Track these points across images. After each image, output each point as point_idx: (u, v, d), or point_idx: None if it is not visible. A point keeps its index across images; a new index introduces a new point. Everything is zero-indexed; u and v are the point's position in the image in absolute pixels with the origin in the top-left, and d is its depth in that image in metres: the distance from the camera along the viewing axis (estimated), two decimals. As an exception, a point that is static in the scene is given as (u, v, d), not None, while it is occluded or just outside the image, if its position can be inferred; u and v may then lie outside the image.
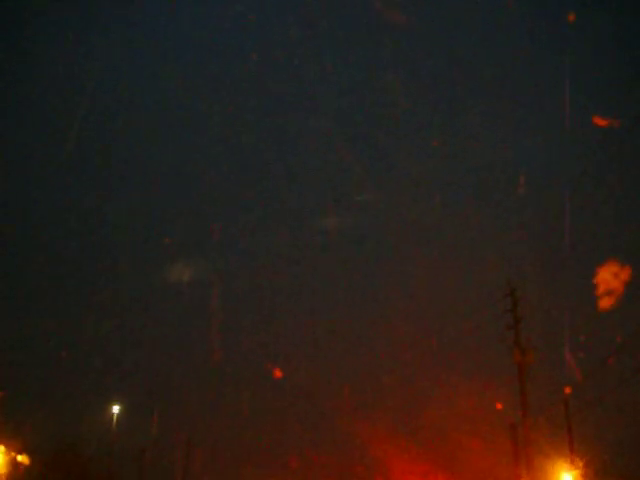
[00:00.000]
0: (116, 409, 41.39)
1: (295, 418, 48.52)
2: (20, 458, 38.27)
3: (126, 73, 76.20)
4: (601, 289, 26.55)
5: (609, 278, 26.58)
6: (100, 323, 53.47)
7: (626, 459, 28.74)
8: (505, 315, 27.47)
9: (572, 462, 24.96)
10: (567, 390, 25.91)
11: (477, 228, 59.01)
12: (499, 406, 30.04)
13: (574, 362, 25.67)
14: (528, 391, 25.97)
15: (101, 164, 73.52)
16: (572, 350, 25.66)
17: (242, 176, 76.30)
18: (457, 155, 66.52)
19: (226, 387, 50.39)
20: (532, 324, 27.19)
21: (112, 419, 41.24)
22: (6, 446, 37.18)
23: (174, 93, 78.12)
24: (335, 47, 73.85)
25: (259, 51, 74.72)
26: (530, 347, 26.50)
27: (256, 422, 47.43)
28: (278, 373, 43.02)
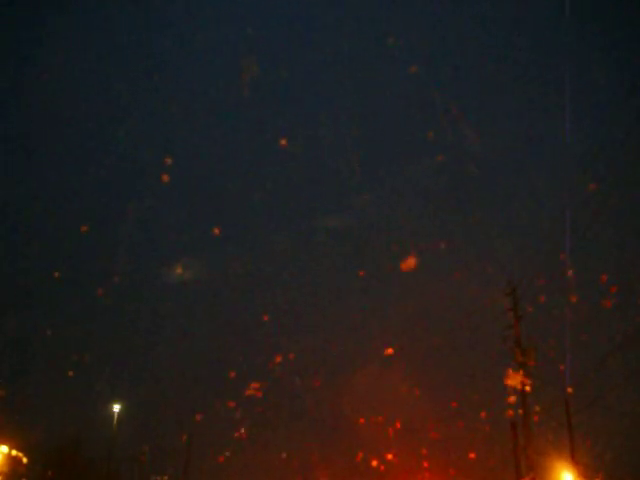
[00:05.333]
0: (117, 408, 41.27)
1: (296, 416, 48.57)
2: (24, 460, 38.34)
3: (130, 82, 76.44)
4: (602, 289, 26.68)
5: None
6: (100, 322, 53.56)
7: (627, 459, 28.80)
8: (506, 314, 27.55)
9: (573, 461, 24.97)
10: (568, 389, 25.96)
11: (478, 229, 59.11)
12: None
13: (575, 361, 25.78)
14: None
15: (101, 166, 73.53)
16: (573, 349, 25.75)
17: (242, 176, 76.45)
18: (458, 156, 66.63)
19: (226, 386, 50.43)
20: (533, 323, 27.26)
21: (113, 418, 41.15)
22: (7, 445, 37.24)
23: (178, 93, 78.21)
24: (338, 54, 74.10)
25: (265, 54, 74.90)
26: (531, 347, 26.45)
27: (257, 421, 47.45)
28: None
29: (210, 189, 75.22)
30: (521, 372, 26.03)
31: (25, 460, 39.10)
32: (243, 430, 46.01)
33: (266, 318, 51.01)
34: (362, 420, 41.83)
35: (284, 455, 46.50)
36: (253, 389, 41.32)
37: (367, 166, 77.25)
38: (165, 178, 47.41)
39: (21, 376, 42.95)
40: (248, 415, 45.38)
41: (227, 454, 46.38)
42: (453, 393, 39.23)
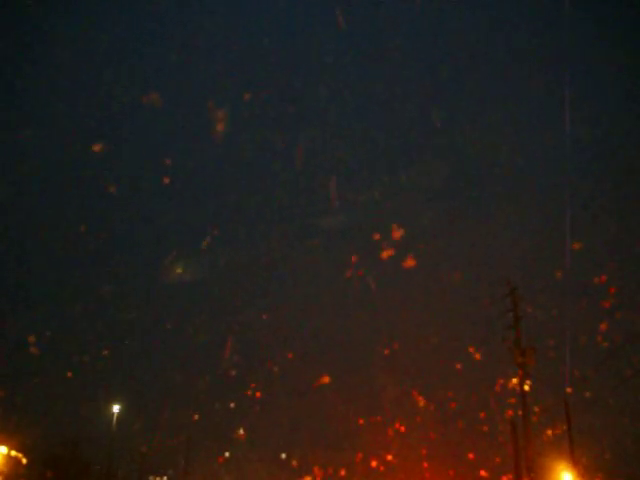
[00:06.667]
0: (116, 409, 41.20)
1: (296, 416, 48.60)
2: (24, 461, 38.30)
3: (130, 82, 76.47)
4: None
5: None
6: (99, 322, 53.56)
7: (626, 458, 28.80)
8: (505, 315, 27.46)
9: (572, 461, 24.94)
10: (568, 389, 25.94)
11: (478, 230, 59.14)
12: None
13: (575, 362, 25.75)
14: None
15: (102, 167, 73.60)
16: (573, 350, 25.73)
17: (242, 176, 76.52)
18: (457, 157, 66.73)
19: (225, 386, 50.46)
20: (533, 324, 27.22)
21: (112, 419, 41.08)
22: (7, 445, 37.20)
23: (178, 94, 78.27)
24: (338, 54, 74.17)
25: (264, 54, 74.90)
26: (530, 347, 26.37)
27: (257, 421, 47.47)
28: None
29: (209, 189, 75.23)
30: (520, 372, 25.98)
31: (24, 460, 39.05)
32: (242, 430, 46.04)
33: (265, 317, 51.05)
34: (362, 420, 41.84)
35: (283, 455, 46.52)
36: (253, 389, 41.31)
37: (367, 166, 77.26)
38: (165, 179, 47.43)
39: (20, 376, 42.93)
40: (247, 415, 45.40)
41: (227, 454, 46.43)
42: (453, 393, 39.23)
